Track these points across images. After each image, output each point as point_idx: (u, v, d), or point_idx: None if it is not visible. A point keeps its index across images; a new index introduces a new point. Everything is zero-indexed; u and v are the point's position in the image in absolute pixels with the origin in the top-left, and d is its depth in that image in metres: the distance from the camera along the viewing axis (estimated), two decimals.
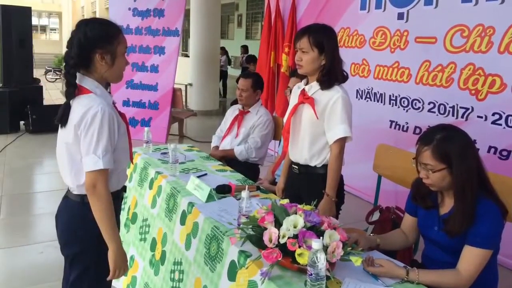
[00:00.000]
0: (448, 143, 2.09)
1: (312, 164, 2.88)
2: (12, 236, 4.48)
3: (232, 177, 3.27)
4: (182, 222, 2.78)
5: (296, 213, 2.02)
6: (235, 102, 4.98)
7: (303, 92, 2.86)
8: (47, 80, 19.68)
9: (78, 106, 2.04)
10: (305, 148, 2.87)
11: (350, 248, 1.99)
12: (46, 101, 10.77)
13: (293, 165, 3.03)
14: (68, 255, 2.23)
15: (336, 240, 1.88)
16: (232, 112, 4.39)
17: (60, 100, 12.55)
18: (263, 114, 4.16)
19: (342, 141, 2.76)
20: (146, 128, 3.92)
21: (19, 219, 4.90)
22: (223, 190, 2.87)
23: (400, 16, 4.94)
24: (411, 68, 4.83)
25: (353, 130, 2.77)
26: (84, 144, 2.01)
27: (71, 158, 2.10)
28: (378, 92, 5.30)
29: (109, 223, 2.05)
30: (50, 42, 38.52)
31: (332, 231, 1.93)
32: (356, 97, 5.54)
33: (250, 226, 2.09)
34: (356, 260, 1.87)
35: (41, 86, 10.03)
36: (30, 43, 9.44)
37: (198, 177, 3.06)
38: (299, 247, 1.85)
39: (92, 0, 32.81)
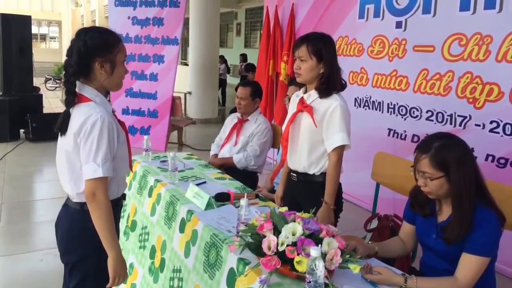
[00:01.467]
0: (446, 151, 2.10)
1: (311, 172, 2.89)
2: (12, 244, 4.48)
3: (231, 185, 3.28)
4: (181, 229, 2.79)
5: (294, 221, 2.02)
6: (234, 110, 5.00)
7: (301, 101, 2.87)
8: (47, 88, 19.74)
9: (78, 114, 2.06)
10: (304, 156, 2.88)
11: (348, 255, 1.99)
12: (46, 110, 10.80)
13: (291, 173, 3.04)
14: (67, 262, 2.24)
15: (334, 248, 1.89)
16: (231, 120, 4.40)
17: (60, 108, 12.57)
18: (262, 122, 4.17)
19: (340, 149, 2.77)
20: (145, 136, 3.93)
21: (19, 227, 4.90)
22: (222, 198, 2.88)
23: (398, 25, 4.97)
24: (409, 76, 4.85)
25: (351, 138, 2.78)
26: (84, 152, 2.02)
27: (71, 166, 2.11)
28: (376, 100, 5.32)
29: (109, 231, 2.05)
30: (50, 51, 38.57)
31: (331, 238, 1.93)
32: (355, 105, 5.56)
33: (249, 234, 2.10)
34: (355, 268, 1.87)
35: (41, 95, 10.07)
36: (30, 52, 9.47)
37: (197, 185, 3.07)
38: (298, 254, 1.85)
39: (91, 9, 32.89)
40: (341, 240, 1.97)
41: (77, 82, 2.10)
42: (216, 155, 4.34)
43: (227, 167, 4.10)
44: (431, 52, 4.57)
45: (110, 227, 2.06)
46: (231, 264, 2.19)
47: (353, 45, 5.66)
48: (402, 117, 4.94)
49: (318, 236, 1.98)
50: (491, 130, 4.01)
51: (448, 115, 4.39)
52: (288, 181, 3.12)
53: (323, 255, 1.84)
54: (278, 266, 1.86)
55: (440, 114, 4.47)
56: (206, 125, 11.48)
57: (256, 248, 2.02)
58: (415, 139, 4.75)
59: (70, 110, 2.09)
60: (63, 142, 2.12)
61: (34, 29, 38.50)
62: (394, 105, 5.04)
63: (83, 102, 2.09)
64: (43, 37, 43.91)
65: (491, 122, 4.01)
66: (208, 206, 2.77)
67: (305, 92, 2.91)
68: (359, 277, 1.99)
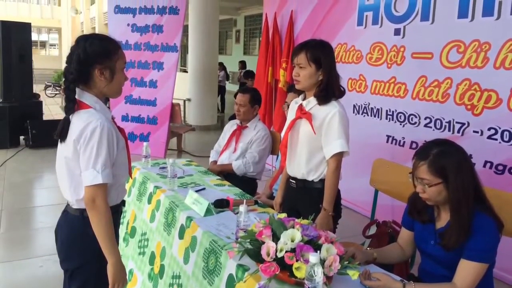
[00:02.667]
0: (444, 157, 2.11)
1: (310, 179, 2.90)
2: (12, 250, 4.48)
3: (230, 192, 3.29)
4: (181, 236, 2.79)
5: (293, 227, 2.03)
6: (233, 117, 5.01)
7: (300, 107, 2.88)
8: (46, 95, 19.75)
9: (78, 121, 2.06)
10: (303, 162, 2.89)
11: (347, 262, 2.00)
12: (46, 116, 10.80)
13: (290, 180, 3.04)
14: (67, 269, 2.24)
15: (333, 254, 1.89)
16: (230, 127, 4.41)
17: (60, 115, 12.57)
18: (261, 129, 4.18)
19: (339, 156, 2.78)
20: (145, 143, 3.94)
21: (19, 233, 4.90)
22: (221, 205, 2.89)
23: (397, 32, 4.99)
24: (407, 83, 4.86)
25: (350, 145, 2.78)
26: (83, 159, 2.03)
27: (71, 172, 2.11)
28: (375, 107, 5.33)
29: (108, 237, 2.06)
30: (50, 58, 38.60)
31: (329, 245, 1.94)
32: (353, 112, 5.57)
33: (248, 240, 2.10)
34: (353, 274, 1.88)
35: (41, 101, 10.08)
36: (30, 59, 9.48)
37: (197, 191, 3.08)
38: (297, 260, 1.86)
39: (91, 16, 32.92)
40: (339, 246, 1.98)
41: (77, 89, 2.11)
42: (215, 162, 4.35)
43: (226, 174, 4.11)
44: (429, 59, 4.59)
45: (109, 234, 2.06)
46: (230, 270, 2.19)
47: (352, 52, 5.68)
48: (400, 124, 4.96)
49: (317, 242, 1.99)
50: (489, 137, 4.02)
51: (446, 122, 4.40)
52: (287, 188, 3.12)
53: (322, 261, 1.84)
54: (277, 272, 1.87)
55: (438, 121, 4.49)
56: (205, 131, 11.49)
57: (255, 254, 2.03)
58: (414, 145, 4.76)
59: (70, 117, 2.10)
60: (63, 149, 2.13)
61: (34, 36, 38.56)
62: (393, 112, 5.05)
63: (82, 109, 2.10)
64: (43, 44, 43.96)
65: (489, 129, 4.02)
66: (207, 212, 2.78)
67: (304, 99, 2.92)
68: (357, 283, 2.00)
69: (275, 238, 2.00)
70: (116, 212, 2.27)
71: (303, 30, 6.65)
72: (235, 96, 4.30)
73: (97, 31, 25.68)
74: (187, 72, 13.06)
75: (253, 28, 22.77)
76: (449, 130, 4.37)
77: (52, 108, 15.65)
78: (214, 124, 12.09)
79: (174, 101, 8.64)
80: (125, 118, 8.59)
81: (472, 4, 4.15)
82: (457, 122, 4.30)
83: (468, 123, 4.19)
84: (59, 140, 2.15)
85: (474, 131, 4.14)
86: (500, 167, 3.94)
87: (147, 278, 3.14)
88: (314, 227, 2.09)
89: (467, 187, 2.10)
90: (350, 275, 1.88)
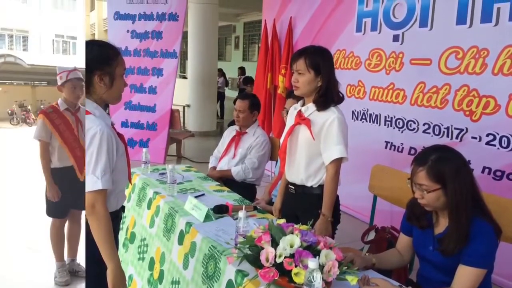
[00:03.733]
0: (442, 163, 2.11)
1: (309, 185, 2.90)
2: None
3: (229, 197, 3.29)
4: (180, 241, 2.79)
5: (292, 233, 2.03)
6: (232, 123, 5.02)
7: (299, 113, 2.89)
8: None
9: None
10: (302, 168, 2.89)
11: (346, 267, 2.00)
12: None
13: (289, 186, 3.05)
14: None
15: (332, 260, 1.90)
16: (229, 133, 4.42)
17: None
18: (260, 135, 4.19)
19: (338, 162, 2.78)
20: (144, 149, 3.95)
21: None
22: (220, 210, 2.89)
23: (396, 38, 5.00)
24: (406, 89, 4.87)
25: (349, 151, 2.79)
26: None
27: None
28: (373, 113, 5.34)
29: (108, 243, 2.06)
30: None
31: (328, 250, 1.95)
32: (352, 118, 5.58)
33: (247, 246, 2.11)
34: (352, 279, 1.88)
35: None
36: None
37: (196, 197, 3.08)
38: (296, 266, 1.86)
39: (91, 22, 32.99)
40: (338, 252, 1.98)
41: None
42: (214, 168, 4.35)
43: (226, 180, 4.11)
44: (428, 65, 4.59)
45: (109, 239, 2.07)
46: (229, 276, 2.19)
47: (351, 58, 5.69)
48: (399, 130, 4.96)
49: (316, 248, 1.99)
50: (487, 143, 4.02)
51: (445, 128, 4.41)
52: (286, 193, 3.12)
53: (321, 267, 1.84)
54: (276, 278, 1.87)
55: (437, 127, 4.49)
56: (205, 137, 11.48)
57: (254, 260, 2.03)
58: (412, 151, 4.76)
59: None
60: None
61: None
62: (391, 118, 5.06)
63: None
64: None
65: (487, 135, 4.02)
66: (207, 218, 2.79)
67: (303, 105, 2.93)
68: None
69: (274, 243, 2.00)
70: (115, 217, 2.27)
71: (302, 36, 6.67)
72: (234, 102, 4.31)
73: (96, 37, 25.74)
74: (186, 78, 13.07)
75: (252, 35, 22.81)
76: (447, 136, 4.38)
77: None
78: (213, 130, 12.09)
79: (173, 107, 8.64)
80: (124, 124, 8.59)
81: (471, 11, 4.16)
82: (455, 128, 4.30)
83: (467, 129, 4.20)
84: None
85: (473, 137, 4.14)
86: (499, 173, 3.95)
87: (147, 284, 3.14)
88: (313, 232, 2.10)
89: (466, 193, 2.11)
90: (349, 280, 1.89)
